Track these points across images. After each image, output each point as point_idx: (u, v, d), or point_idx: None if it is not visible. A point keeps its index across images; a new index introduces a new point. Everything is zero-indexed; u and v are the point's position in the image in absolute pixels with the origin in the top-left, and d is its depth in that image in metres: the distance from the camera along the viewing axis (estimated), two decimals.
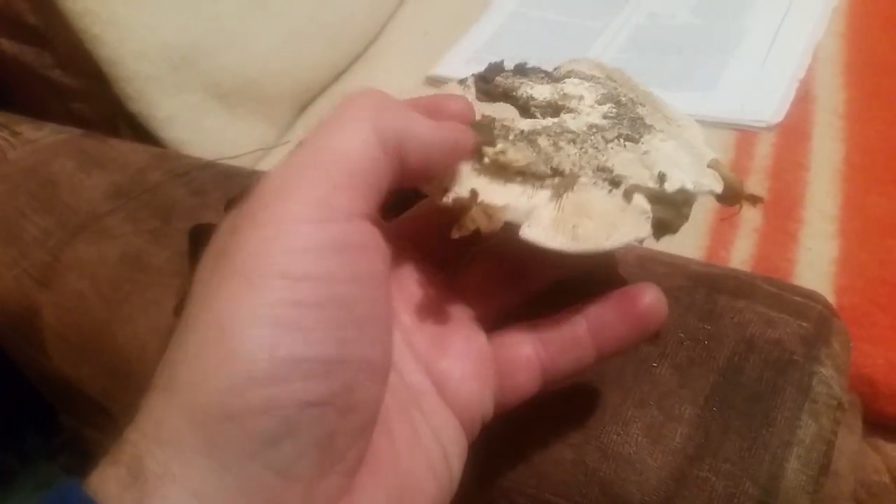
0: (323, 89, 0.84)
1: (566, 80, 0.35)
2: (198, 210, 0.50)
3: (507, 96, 0.35)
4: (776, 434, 0.33)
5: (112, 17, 0.62)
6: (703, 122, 0.69)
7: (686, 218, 0.31)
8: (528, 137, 0.31)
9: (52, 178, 0.56)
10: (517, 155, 0.30)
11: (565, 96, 0.34)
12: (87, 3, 0.62)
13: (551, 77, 0.36)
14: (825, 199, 0.62)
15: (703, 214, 0.60)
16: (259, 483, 0.22)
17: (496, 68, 0.36)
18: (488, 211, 0.28)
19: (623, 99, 0.34)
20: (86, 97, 0.68)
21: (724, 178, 0.32)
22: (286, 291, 0.22)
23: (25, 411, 0.86)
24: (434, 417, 0.28)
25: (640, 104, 0.34)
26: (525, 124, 0.32)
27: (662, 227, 0.31)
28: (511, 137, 0.31)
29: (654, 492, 0.33)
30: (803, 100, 0.70)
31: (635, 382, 0.36)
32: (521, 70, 0.36)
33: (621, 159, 0.31)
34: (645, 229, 0.30)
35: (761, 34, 0.78)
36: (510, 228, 0.29)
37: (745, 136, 0.68)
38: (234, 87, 0.72)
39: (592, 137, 0.31)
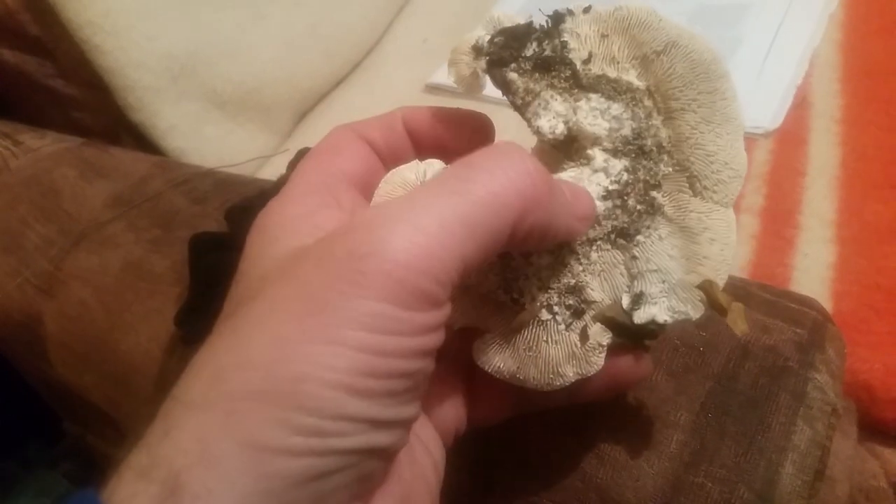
0: (322, 97, 0.85)
1: (591, 94, 0.31)
2: (198, 218, 0.50)
3: (515, 106, 0.32)
4: (771, 440, 0.34)
5: (113, 27, 0.63)
6: None
7: (647, 348, 0.31)
8: None
9: (53, 186, 0.56)
10: (479, 277, 0.30)
11: (579, 134, 0.31)
12: (88, 15, 0.62)
13: (577, 80, 0.31)
14: (822, 204, 0.62)
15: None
16: None
17: (515, 44, 0.31)
18: None
19: (649, 144, 0.30)
20: (87, 106, 0.68)
21: (710, 303, 0.29)
22: (367, 364, 0.22)
23: (28, 418, 0.86)
24: (422, 431, 0.30)
25: (668, 155, 0.30)
26: None
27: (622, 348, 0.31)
28: None
29: (650, 498, 0.33)
30: (800, 106, 0.70)
31: (632, 389, 0.36)
32: (544, 63, 0.30)
33: (598, 268, 0.30)
34: (595, 367, 0.30)
35: (758, 42, 0.78)
36: None
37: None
38: (234, 95, 0.73)
39: (575, 242, 0.30)
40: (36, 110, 0.70)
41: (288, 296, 0.23)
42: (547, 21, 0.31)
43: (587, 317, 0.30)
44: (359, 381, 0.22)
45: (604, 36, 0.31)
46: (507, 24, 0.31)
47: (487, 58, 0.31)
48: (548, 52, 0.31)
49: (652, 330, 0.30)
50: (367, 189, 0.31)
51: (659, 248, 0.30)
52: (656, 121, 0.30)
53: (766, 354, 0.36)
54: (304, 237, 0.26)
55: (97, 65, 0.64)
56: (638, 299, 0.29)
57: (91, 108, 0.68)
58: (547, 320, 0.30)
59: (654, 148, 0.30)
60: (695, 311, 0.30)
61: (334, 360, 0.22)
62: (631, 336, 0.30)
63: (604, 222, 0.30)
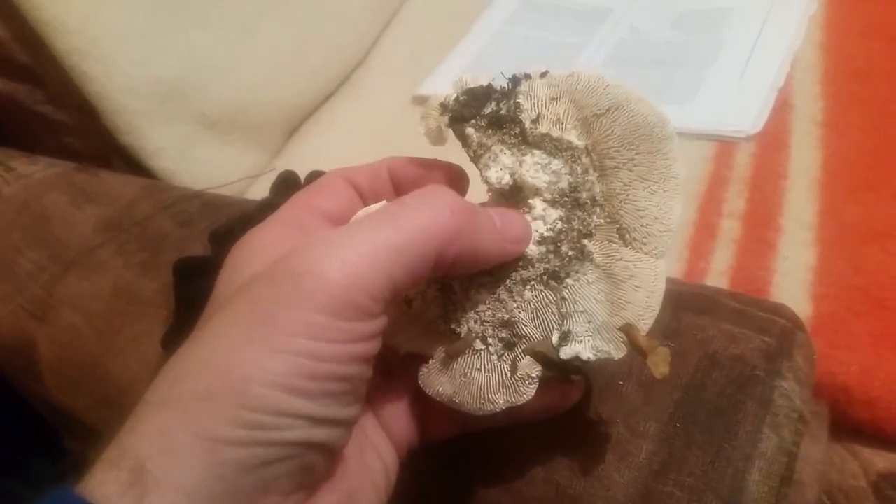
0: (311, 113, 0.86)
1: (536, 151, 0.34)
2: (185, 241, 0.51)
3: (471, 157, 0.35)
4: (738, 448, 0.34)
5: (100, 54, 0.64)
6: (684, 135, 0.71)
7: (572, 381, 0.34)
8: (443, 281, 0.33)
9: (45, 213, 0.57)
10: (423, 307, 0.33)
11: (522, 185, 0.34)
12: (75, 42, 0.64)
13: (525, 138, 0.34)
14: (803, 207, 0.63)
15: (681, 227, 0.61)
16: (245, 492, 0.25)
17: (475, 104, 0.34)
18: None
19: (583, 197, 0.33)
20: (77, 131, 0.69)
21: (631, 345, 0.31)
22: (304, 368, 0.26)
23: (31, 436, 0.87)
24: (376, 438, 0.33)
25: (600, 207, 0.33)
26: None
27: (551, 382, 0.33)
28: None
29: None
30: (781, 109, 0.71)
31: (602, 401, 0.37)
32: (497, 121, 0.34)
33: (531, 306, 0.32)
34: (524, 396, 0.32)
35: (740, 45, 0.79)
36: None
37: (724, 147, 0.69)
38: (223, 115, 0.74)
39: (510, 280, 0.32)
40: (28, 136, 0.71)
41: (241, 310, 0.27)
42: (508, 83, 0.35)
43: (518, 350, 0.32)
44: (297, 381, 0.26)
45: (553, 99, 0.34)
46: (472, 85, 0.35)
47: (450, 115, 0.34)
48: (502, 112, 0.34)
49: (577, 366, 0.32)
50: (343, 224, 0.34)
51: (586, 291, 0.32)
52: (592, 176, 0.33)
53: (733, 364, 0.37)
54: (266, 264, 0.29)
55: (85, 91, 0.65)
56: (565, 337, 0.32)
57: (81, 133, 0.69)
58: (480, 350, 0.33)
59: (588, 201, 0.33)
60: (617, 352, 0.32)
61: (275, 364, 0.25)
62: (558, 370, 0.32)
63: (537, 265, 0.32)
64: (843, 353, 0.51)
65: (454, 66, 0.88)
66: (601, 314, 0.32)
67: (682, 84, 0.76)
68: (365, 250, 0.27)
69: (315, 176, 0.36)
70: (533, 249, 0.32)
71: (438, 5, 1.00)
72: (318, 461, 0.28)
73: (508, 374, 0.32)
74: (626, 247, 0.32)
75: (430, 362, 0.33)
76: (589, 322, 0.32)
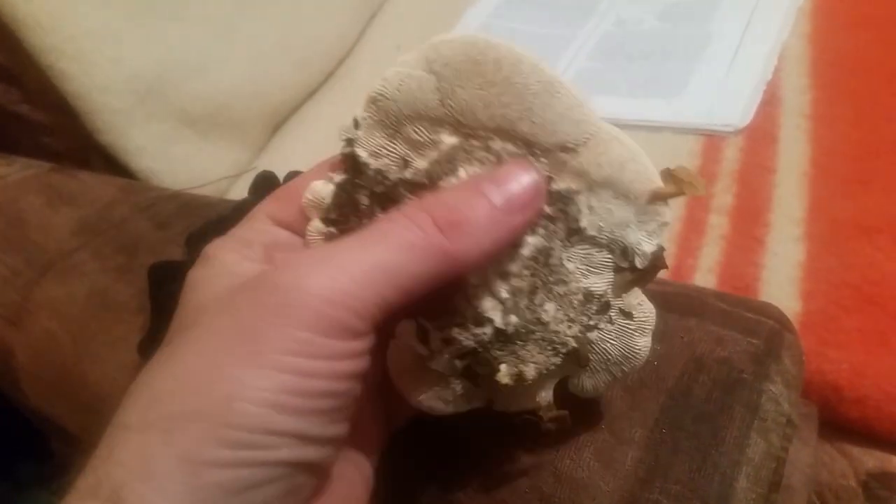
0: (295, 109, 0.85)
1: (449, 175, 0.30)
2: (161, 244, 0.50)
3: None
4: (725, 454, 0.34)
5: (77, 52, 0.63)
6: (671, 129, 0.71)
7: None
8: None
9: (20, 215, 0.56)
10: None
11: None
12: (51, 40, 0.62)
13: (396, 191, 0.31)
14: (792, 202, 0.62)
15: (670, 223, 0.61)
16: None
17: (344, 207, 0.31)
18: None
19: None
20: (55, 131, 0.68)
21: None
22: (291, 384, 0.25)
23: (18, 439, 0.86)
24: (351, 450, 0.32)
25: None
26: None
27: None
28: None
29: None
30: (770, 102, 0.70)
31: (587, 406, 0.36)
32: (379, 199, 0.31)
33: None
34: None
35: (727, 38, 0.78)
36: None
37: (712, 141, 0.68)
38: (204, 113, 0.73)
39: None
40: (5, 136, 0.70)
41: (221, 325, 0.26)
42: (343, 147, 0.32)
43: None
44: (285, 399, 0.25)
45: (391, 135, 0.32)
46: (320, 194, 0.32)
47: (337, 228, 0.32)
48: (366, 192, 0.31)
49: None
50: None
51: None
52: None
53: (720, 367, 0.36)
54: (239, 276, 0.28)
55: (63, 90, 0.64)
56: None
57: (59, 133, 0.68)
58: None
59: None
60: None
61: (261, 381, 0.24)
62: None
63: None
64: (833, 351, 0.51)
65: None
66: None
67: (669, 77, 0.75)
68: (353, 269, 0.26)
69: (293, 176, 0.34)
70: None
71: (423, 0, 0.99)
72: (306, 482, 0.27)
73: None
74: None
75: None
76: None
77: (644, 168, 0.30)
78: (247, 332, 0.25)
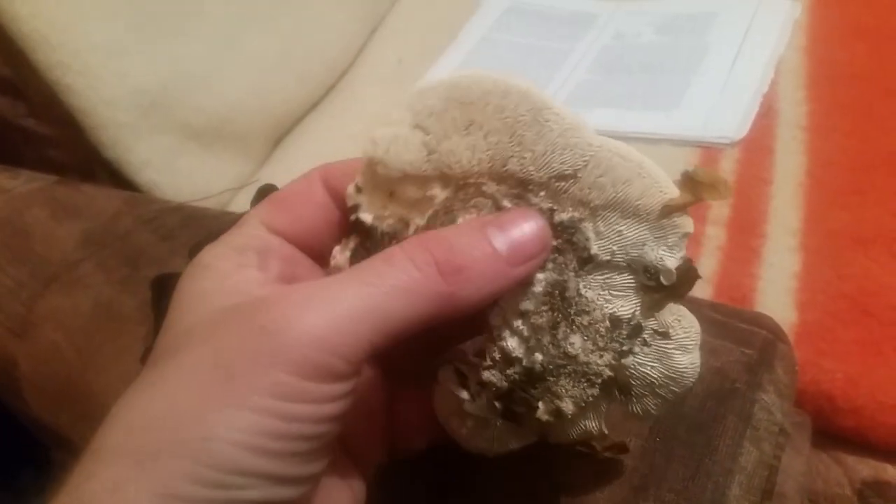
0: (297, 122, 0.86)
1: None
2: (165, 256, 0.51)
3: None
4: (718, 462, 0.34)
5: (82, 67, 0.64)
6: (669, 141, 0.71)
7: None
8: None
9: (25, 228, 0.57)
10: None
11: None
12: (57, 55, 0.63)
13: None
14: (788, 213, 0.63)
15: (692, 232, 0.61)
16: None
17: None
18: None
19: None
20: (61, 144, 0.69)
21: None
22: (270, 427, 0.24)
23: (19, 448, 0.86)
24: (342, 466, 0.31)
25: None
26: None
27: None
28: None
29: None
30: (766, 114, 0.71)
31: None
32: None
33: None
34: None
35: (724, 51, 0.79)
36: None
37: (709, 153, 0.69)
38: (208, 126, 0.73)
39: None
40: (11, 150, 0.71)
41: (204, 359, 0.25)
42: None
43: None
44: (262, 441, 0.24)
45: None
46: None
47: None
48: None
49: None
50: (312, 242, 0.32)
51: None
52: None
53: (713, 377, 0.37)
54: (226, 297, 0.28)
55: (68, 104, 0.65)
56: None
57: (64, 146, 0.69)
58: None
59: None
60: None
61: (240, 422, 0.24)
62: None
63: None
64: (828, 361, 0.51)
65: (443, 72, 0.87)
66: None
67: (666, 90, 0.76)
68: (345, 312, 0.25)
69: (268, 190, 0.34)
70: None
71: (425, 12, 1.00)
72: None
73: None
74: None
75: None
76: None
77: (652, 181, 0.28)
78: (229, 371, 0.24)
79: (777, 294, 0.56)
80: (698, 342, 0.30)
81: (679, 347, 0.30)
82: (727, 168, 0.67)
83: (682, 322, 0.30)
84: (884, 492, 0.47)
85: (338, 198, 0.32)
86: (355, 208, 0.31)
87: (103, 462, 0.24)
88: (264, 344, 0.25)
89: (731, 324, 0.40)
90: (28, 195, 0.60)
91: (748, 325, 0.40)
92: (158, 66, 0.70)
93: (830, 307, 0.55)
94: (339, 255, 0.31)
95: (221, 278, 0.29)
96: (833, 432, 0.50)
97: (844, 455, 0.49)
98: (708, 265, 0.60)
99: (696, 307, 0.41)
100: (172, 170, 0.71)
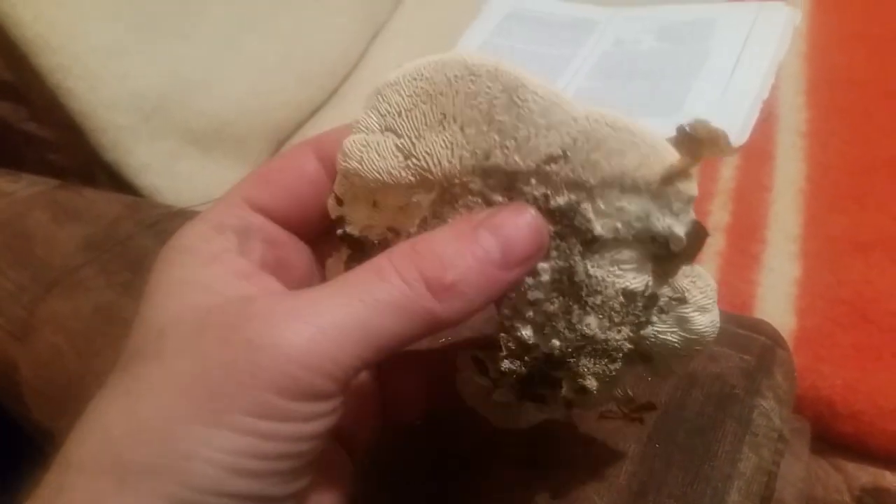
0: (298, 127, 0.86)
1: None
2: None
3: None
4: (717, 468, 0.34)
5: (83, 71, 0.64)
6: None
7: None
8: None
9: (26, 231, 0.57)
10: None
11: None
12: (58, 59, 0.63)
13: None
14: (788, 219, 0.63)
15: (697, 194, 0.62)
16: None
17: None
18: None
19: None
20: (61, 148, 0.69)
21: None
22: (253, 448, 0.24)
23: (19, 452, 0.86)
24: (330, 452, 0.30)
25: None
26: None
27: None
28: None
29: None
30: (766, 120, 0.71)
31: (583, 420, 0.37)
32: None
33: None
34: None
35: (724, 57, 0.79)
36: None
37: (708, 159, 0.69)
38: (208, 130, 0.74)
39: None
40: (12, 153, 0.71)
41: (185, 372, 0.24)
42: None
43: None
44: (244, 461, 0.23)
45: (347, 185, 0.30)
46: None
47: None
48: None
49: None
50: (300, 220, 0.31)
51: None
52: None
53: (712, 382, 0.37)
54: (205, 291, 0.26)
55: (69, 108, 0.65)
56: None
57: (65, 150, 0.69)
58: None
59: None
60: None
61: (220, 442, 0.23)
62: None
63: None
64: (828, 367, 0.51)
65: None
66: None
67: (666, 96, 0.76)
68: (333, 329, 0.24)
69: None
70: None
71: (426, 17, 1.00)
72: None
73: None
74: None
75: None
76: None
77: (649, 148, 0.26)
78: (211, 389, 0.23)
79: (777, 300, 0.57)
80: (715, 299, 0.29)
81: (698, 309, 0.29)
82: (726, 175, 0.68)
83: (697, 283, 0.29)
84: (883, 498, 0.47)
85: (332, 171, 0.29)
86: (340, 221, 0.30)
87: (79, 476, 0.23)
88: (248, 361, 0.24)
89: (731, 330, 0.40)
90: (29, 199, 0.60)
91: (747, 331, 0.40)
92: (159, 70, 0.70)
93: (830, 313, 0.55)
94: (333, 266, 0.30)
95: (200, 266, 0.27)
96: (832, 438, 0.50)
97: (843, 461, 0.49)
98: (707, 271, 0.59)
99: None
100: (173, 173, 0.71)
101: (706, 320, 0.29)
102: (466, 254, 0.26)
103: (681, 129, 0.26)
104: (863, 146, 0.67)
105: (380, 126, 0.27)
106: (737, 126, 0.71)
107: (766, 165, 0.68)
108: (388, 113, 0.27)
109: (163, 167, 0.70)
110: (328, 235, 0.31)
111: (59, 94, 0.64)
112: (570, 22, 0.91)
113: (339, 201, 0.29)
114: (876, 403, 0.49)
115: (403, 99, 0.27)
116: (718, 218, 0.64)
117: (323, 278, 0.32)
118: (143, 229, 0.55)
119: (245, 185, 0.30)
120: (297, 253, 0.31)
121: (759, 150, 0.69)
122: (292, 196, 0.30)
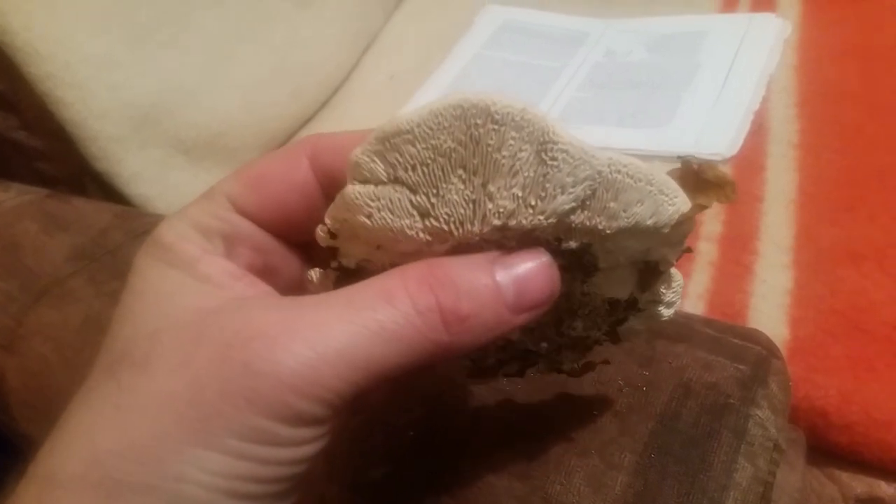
0: (290, 137, 0.85)
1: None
2: None
3: None
4: (713, 478, 0.34)
5: (74, 80, 0.64)
6: (660, 158, 0.71)
7: None
8: None
9: (15, 241, 0.56)
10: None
11: None
12: (49, 68, 0.63)
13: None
14: (780, 229, 0.63)
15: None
16: None
17: None
18: None
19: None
20: (52, 157, 0.69)
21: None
22: (246, 471, 0.23)
23: (5, 462, 0.85)
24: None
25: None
26: None
27: None
28: None
29: None
30: (757, 132, 0.72)
31: (578, 431, 0.36)
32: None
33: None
34: None
35: (715, 68, 0.79)
36: None
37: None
38: (199, 140, 0.73)
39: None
40: (2, 162, 0.70)
41: (178, 391, 0.23)
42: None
43: None
44: (237, 485, 0.23)
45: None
46: None
47: None
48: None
49: None
50: (287, 227, 0.29)
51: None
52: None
53: (707, 392, 0.37)
54: (197, 293, 0.26)
55: (59, 117, 0.64)
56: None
57: (56, 159, 0.69)
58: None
59: None
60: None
61: (214, 465, 0.23)
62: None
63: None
64: (821, 378, 0.51)
65: (435, 89, 0.88)
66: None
67: (658, 107, 0.77)
68: (331, 356, 0.23)
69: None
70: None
71: (418, 29, 1.00)
72: None
73: None
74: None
75: None
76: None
77: (663, 197, 0.26)
78: (206, 411, 0.23)
79: (769, 310, 0.56)
80: (681, 292, 0.32)
81: (667, 305, 0.32)
82: None
83: (671, 286, 0.31)
84: None
85: (325, 178, 0.28)
86: (333, 252, 0.28)
87: (65, 491, 0.23)
88: (245, 386, 0.23)
89: (725, 339, 0.40)
90: (19, 208, 0.60)
91: (741, 340, 0.40)
92: (150, 80, 0.69)
93: (822, 323, 0.55)
94: (320, 284, 0.29)
95: (188, 266, 0.26)
96: (826, 448, 0.50)
97: (838, 471, 0.49)
98: (700, 281, 0.60)
99: (689, 323, 0.41)
100: (163, 183, 0.71)
101: (670, 311, 0.32)
102: (482, 286, 0.25)
103: (686, 164, 0.26)
104: (854, 157, 0.67)
105: (388, 177, 0.25)
106: (728, 137, 0.71)
107: (758, 176, 0.68)
108: (399, 164, 0.24)
109: (153, 177, 0.69)
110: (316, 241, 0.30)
111: (49, 103, 0.64)
112: (562, 34, 0.92)
113: (333, 235, 0.27)
114: (869, 414, 0.49)
115: (419, 151, 0.24)
116: (711, 228, 0.64)
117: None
118: (132, 239, 0.54)
119: (230, 185, 0.28)
120: (284, 259, 0.30)
121: (750, 161, 0.69)
122: (280, 206, 0.29)
